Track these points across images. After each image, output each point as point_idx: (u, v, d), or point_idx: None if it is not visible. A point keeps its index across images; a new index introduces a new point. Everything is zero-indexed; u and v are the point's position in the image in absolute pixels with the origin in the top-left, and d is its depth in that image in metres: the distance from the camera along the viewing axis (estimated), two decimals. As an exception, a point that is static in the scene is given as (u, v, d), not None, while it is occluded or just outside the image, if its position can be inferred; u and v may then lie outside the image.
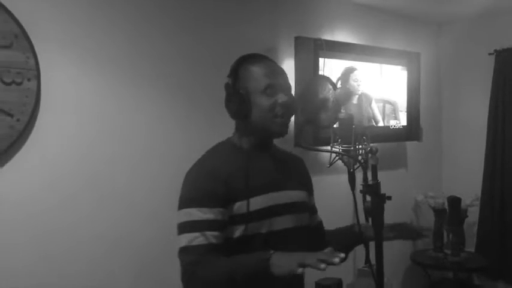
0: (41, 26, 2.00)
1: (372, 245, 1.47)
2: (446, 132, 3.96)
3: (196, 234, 1.28)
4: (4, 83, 1.89)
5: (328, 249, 1.14)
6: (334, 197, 2.68)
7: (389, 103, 3.35)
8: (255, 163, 1.40)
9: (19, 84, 1.93)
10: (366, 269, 2.82)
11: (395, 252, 3.34)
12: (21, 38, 1.93)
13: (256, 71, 1.39)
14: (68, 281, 2.09)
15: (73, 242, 2.11)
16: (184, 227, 1.31)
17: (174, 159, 2.40)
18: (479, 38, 3.66)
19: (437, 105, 3.95)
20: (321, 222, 1.65)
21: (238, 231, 1.33)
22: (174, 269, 1.36)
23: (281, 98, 1.37)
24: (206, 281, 1.25)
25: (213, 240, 1.28)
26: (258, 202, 1.35)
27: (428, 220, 3.59)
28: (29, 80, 1.95)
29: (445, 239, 3.43)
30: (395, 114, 3.38)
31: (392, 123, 3.37)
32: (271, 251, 1.20)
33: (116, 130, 2.24)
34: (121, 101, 2.26)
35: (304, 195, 1.52)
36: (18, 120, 1.93)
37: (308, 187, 1.57)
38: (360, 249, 3.00)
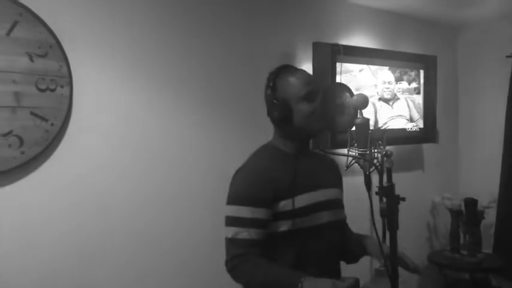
0: (73, 36, 2.11)
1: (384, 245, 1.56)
2: (462, 135, 3.99)
3: (242, 229, 1.46)
4: (39, 89, 2.01)
5: (351, 280, 1.34)
6: (350, 197, 2.76)
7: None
8: (298, 164, 1.54)
9: (53, 90, 2.05)
10: (382, 269, 2.88)
11: (412, 252, 3.36)
12: (55, 48, 2.05)
13: (294, 80, 1.55)
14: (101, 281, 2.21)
15: (106, 242, 2.23)
16: (232, 221, 1.49)
17: (202, 164, 2.53)
18: (496, 41, 3.68)
19: (454, 108, 3.99)
20: (345, 218, 1.76)
21: (284, 226, 1.49)
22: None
23: (319, 101, 1.54)
24: (245, 276, 1.46)
25: (255, 237, 1.46)
26: (303, 200, 1.50)
27: (445, 221, 3.64)
28: (62, 86, 2.07)
29: (462, 240, 3.47)
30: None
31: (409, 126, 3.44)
32: (303, 276, 1.36)
33: (144, 134, 2.36)
34: (150, 106, 2.38)
35: (338, 192, 1.67)
36: (52, 124, 2.05)
37: (340, 185, 1.71)
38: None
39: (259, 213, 1.47)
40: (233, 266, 1.48)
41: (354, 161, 1.53)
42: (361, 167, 1.52)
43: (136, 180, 2.33)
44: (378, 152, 1.50)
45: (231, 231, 1.49)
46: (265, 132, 1.69)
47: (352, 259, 1.75)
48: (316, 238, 1.54)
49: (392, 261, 1.57)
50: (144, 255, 2.35)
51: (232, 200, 1.52)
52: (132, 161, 2.32)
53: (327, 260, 1.61)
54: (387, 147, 1.47)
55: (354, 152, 1.52)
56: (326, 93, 1.58)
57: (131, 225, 2.31)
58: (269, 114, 1.58)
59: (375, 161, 1.50)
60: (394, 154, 1.50)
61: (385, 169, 1.50)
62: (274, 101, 1.53)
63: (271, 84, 1.56)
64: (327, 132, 2.50)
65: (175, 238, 2.45)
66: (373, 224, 1.53)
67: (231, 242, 1.49)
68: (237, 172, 1.58)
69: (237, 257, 1.46)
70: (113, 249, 2.25)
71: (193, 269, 2.49)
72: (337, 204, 1.65)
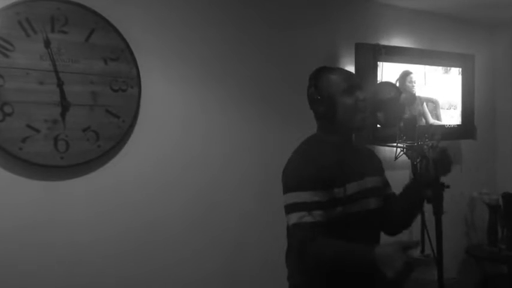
0: (142, 41, 2.34)
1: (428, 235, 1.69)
2: (500, 131, 4.05)
3: (304, 213, 1.50)
4: (113, 90, 2.25)
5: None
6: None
7: (431, 101, 3.47)
8: (344, 155, 1.65)
9: (124, 90, 2.28)
10: (422, 258, 3.01)
11: (450, 245, 3.48)
12: (126, 52, 2.28)
13: (335, 77, 1.67)
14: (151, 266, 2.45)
15: (166, 232, 2.46)
16: (293, 207, 1.53)
17: (258, 159, 2.74)
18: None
19: (492, 105, 4.05)
20: (394, 194, 1.83)
21: (336, 212, 1.56)
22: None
23: (361, 94, 1.64)
24: (316, 257, 1.49)
25: (319, 218, 1.50)
26: (353, 187, 1.60)
27: (483, 216, 3.72)
28: (132, 87, 2.30)
29: (499, 235, 3.55)
30: (436, 111, 3.51)
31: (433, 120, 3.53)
32: (374, 247, 1.40)
33: (202, 130, 2.58)
34: (211, 105, 2.60)
35: (380, 179, 1.77)
36: (123, 121, 2.28)
37: (382, 171, 1.82)
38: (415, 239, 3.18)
39: (318, 195, 1.51)
40: (301, 251, 1.50)
41: (402, 153, 1.68)
42: (409, 157, 1.67)
43: (197, 171, 2.55)
44: (424, 144, 1.65)
45: (294, 217, 1.52)
46: (311, 127, 1.79)
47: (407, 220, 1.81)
48: (364, 223, 1.63)
49: (438, 245, 1.72)
50: (200, 241, 2.56)
51: (289, 188, 1.57)
52: (192, 154, 2.54)
53: (372, 242, 1.67)
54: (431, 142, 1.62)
55: (402, 144, 1.67)
56: (374, 91, 1.72)
57: (190, 212, 2.53)
58: (314, 110, 1.69)
59: (423, 151, 1.64)
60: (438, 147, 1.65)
61: (431, 159, 1.66)
62: (318, 97, 1.65)
63: (313, 83, 1.69)
64: (372, 126, 2.65)
65: (235, 227, 2.68)
66: (422, 208, 1.67)
67: (295, 227, 1.51)
68: (288, 162, 1.67)
69: (304, 241, 1.48)
70: (171, 238, 2.48)
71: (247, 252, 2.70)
72: (380, 191, 1.74)
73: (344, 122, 1.65)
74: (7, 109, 2.00)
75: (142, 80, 2.32)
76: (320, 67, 1.73)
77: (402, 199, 1.75)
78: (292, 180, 1.59)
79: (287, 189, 1.59)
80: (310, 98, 1.70)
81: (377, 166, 1.82)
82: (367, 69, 2.98)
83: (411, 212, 1.78)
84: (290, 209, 1.55)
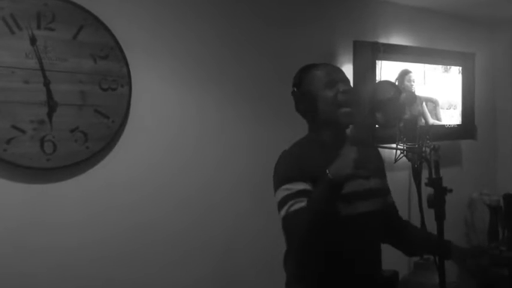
0: (132, 38, 2.27)
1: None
2: (501, 131, 4.00)
3: (292, 202, 1.46)
4: (102, 89, 2.17)
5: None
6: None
7: (431, 101, 3.43)
8: (335, 153, 1.54)
9: (114, 89, 2.20)
10: (422, 262, 2.95)
11: (450, 247, 3.43)
12: (115, 50, 2.20)
13: (317, 72, 1.62)
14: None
15: (157, 235, 2.38)
16: (282, 201, 1.49)
17: (253, 162, 2.66)
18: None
19: (492, 104, 3.99)
20: (393, 203, 1.80)
21: None
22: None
23: (341, 86, 1.58)
24: (306, 231, 1.41)
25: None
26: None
27: (483, 217, 3.65)
28: (122, 86, 2.22)
29: (500, 236, 3.49)
30: (436, 111, 3.46)
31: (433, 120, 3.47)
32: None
33: (195, 131, 2.50)
34: (201, 104, 2.51)
35: (379, 181, 1.70)
36: (113, 121, 2.21)
37: (382, 173, 1.74)
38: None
39: (304, 185, 1.48)
40: (300, 238, 1.44)
41: (402, 155, 1.61)
42: (409, 160, 1.60)
43: (191, 172, 2.47)
44: (425, 146, 1.58)
45: (283, 211, 1.48)
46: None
47: (417, 252, 1.83)
48: (355, 227, 1.56)
49: (440, 253, 1.65)
50: (194, 244, 2.49)
51: (277, 185, 1.54)
52: (185, 155, 2.46)
53: (367, 248, 1.63)
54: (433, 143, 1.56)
55: (402, 146, 1.60)
56: (373, 90, 1.65)
57: (183, 215, 2.45)
58: (296, 107, 1.65)
59: (423, 154, 1.57)
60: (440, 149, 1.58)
61: (432, 162, 1.58)
62: (299, 94, 1.61)
63: (296, 81, 1.65)
64: (371, 126, 2.58)
65: (230, 229, 2.60)
66: (421, 213, 1.60)
67: (285, 220, 1.47)
68: (277, 162, 1.62)
69: (301, 226, 1.42)
70: (162, 240, 2.40)
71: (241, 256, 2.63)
72: (377, 193, 1.68)
73: (326, 119, 1.59)
74: (-9, 109, 1.92)
75: (132, 78, 2.25)
76: (306, 64, 1.68)
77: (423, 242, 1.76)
78: (279, 177, 1.55)
79: (275, 187, 1.55)
80: (293, 96, 1.66)
81: (377, 168, 1.74)
82: (366, 67, 2.92)
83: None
84: (280, 204, 1.50)
